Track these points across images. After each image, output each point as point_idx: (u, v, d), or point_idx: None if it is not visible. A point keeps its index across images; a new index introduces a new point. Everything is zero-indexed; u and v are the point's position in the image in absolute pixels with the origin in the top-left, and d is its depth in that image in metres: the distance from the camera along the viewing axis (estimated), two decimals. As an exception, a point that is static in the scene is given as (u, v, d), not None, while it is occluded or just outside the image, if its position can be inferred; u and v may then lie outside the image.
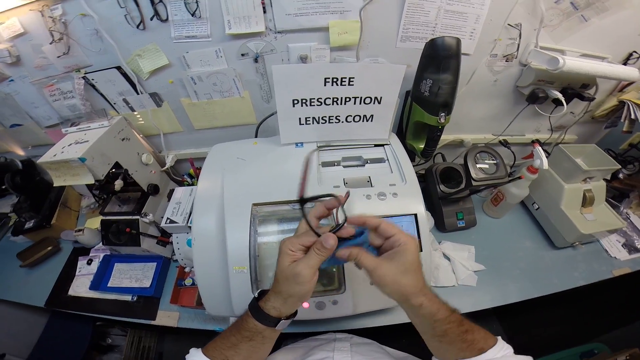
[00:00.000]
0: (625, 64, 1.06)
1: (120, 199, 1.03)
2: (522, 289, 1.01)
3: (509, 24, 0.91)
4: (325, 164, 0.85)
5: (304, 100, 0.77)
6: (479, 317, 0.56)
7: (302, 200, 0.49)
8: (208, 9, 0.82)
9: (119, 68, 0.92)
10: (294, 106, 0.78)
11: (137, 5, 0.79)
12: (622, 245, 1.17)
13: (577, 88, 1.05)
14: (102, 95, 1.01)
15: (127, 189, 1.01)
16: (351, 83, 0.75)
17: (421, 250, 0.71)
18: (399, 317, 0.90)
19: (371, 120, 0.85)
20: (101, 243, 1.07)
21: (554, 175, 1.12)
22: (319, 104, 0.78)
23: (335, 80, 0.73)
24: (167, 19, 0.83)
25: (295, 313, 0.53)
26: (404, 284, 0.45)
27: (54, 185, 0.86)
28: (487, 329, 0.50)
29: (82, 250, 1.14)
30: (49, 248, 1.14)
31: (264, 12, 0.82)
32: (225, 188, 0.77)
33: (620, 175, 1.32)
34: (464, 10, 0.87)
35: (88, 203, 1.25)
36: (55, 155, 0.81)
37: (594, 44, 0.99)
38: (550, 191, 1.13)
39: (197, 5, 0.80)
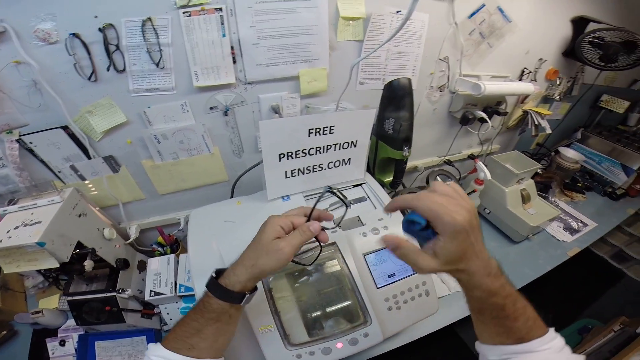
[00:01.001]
0: (520, 79, 1.38)
1: (85, 277, 0.93)
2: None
3: (439, 58, 1.12)
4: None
5: (289, 154, 0.80)
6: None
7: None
8: (173, 59, 0.79)
9: (65, 128, 0.80)
10: (280, 160, 0.80)
11: (89, 52, 0.71)
12: (563, 229, 1.47)
13: (493, 106, 1.32)
14: (43, 162, 0.86)
15: (94, 266, 0.90)
16: (332, 131, 0.81)
17: None
18: (423, 329, 0.97)
19: (349, 164, 0.92)
20: (69, 322, 1.02)
21: (494, 183, 1.36)
22: (304, 154, 0.82)
23: (318, 130, 0.79)
24: (124, 70, 0.76)
25: (256, 288, 0.54)
26: (446, 269, 0.44)
27: (5, 272, 0.78)
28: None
29: (45, 332, 1.03)
30: (4, 332, 1.02)
31: (234, 62, 0.84)
32: (223, 253, 0.74)
33: (539, 171, 1.66)
34: (406, 50, 1.04)
35: (34, 283, 1.11)
36: (1, 242, 0.69)
37: (498, 66, 1.27)
38: (495, 196, 1.37)
39: (161, 55, 0.77)
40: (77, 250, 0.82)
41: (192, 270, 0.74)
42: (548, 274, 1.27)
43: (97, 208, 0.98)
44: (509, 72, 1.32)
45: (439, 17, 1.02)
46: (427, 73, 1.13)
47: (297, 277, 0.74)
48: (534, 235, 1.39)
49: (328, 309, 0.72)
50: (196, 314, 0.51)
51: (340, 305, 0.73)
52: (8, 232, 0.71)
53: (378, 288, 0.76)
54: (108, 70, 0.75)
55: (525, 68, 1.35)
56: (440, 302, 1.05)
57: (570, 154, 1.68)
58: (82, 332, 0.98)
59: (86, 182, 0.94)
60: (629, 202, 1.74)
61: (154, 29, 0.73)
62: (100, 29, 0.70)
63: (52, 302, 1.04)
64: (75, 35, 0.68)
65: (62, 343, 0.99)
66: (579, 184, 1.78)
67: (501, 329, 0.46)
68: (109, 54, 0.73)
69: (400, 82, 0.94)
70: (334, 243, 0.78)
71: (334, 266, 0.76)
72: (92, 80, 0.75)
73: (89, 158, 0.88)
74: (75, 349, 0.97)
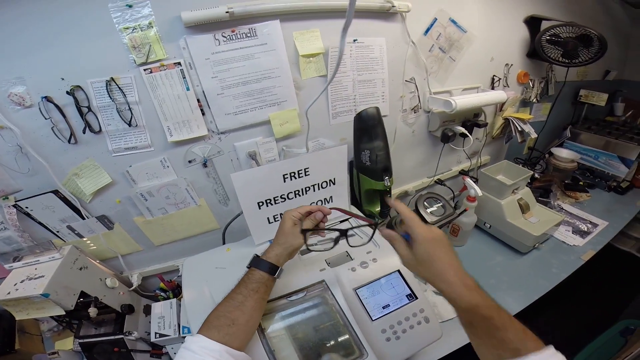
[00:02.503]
0: (492, 87, 1.36)
1: (93, 322, 0.98)
2: (518, 298, 1.10)
3: (406, 80, 1.12)
4: (303, 252, 0.86)
5: (268, 201, 0.81)
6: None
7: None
8: (144, 117, 0.80)
9: (55, 192, 0.83)
10: (259, 208, 0.80)
11: (64, 115, 0.73)
12: (572, 233, 1.39)
13: (472, 119, 1.30)
14: (41, 224, 0.89)
15: (100, 313, 0.94)
16: (307, 173, 0.82)
17: (416, 298, 0.78)
18: (435, 354, 0.92)
19: (331, 201, 0.92)
20: None
21: (489, 196, 1.32)
22: (283, 200, 0.82)
23: (292, 174, 0.79)
24: (100, 130, 0.78)
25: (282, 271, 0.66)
26: (421, 272, 0.57)
27: (17, 319, 0.85)
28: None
29: None
30: None
31: (203, 114, 0.85)
32: (215, 297, 0.73)
33: (537, 175, 1.61)
34: (371, 77, 1.05)
35: (49, 327, 1.14)
36: (9, 293, 0.76)
37: (467, 78, 1.26)
38: (492, 210, 1.32)
39: (132, 113, 0.78)
40: (81, 299, 0.86)
41: (187, 314, 0.75)
42: (574, 279, 1.18)
43: (98, 261, 1.00)
44: (480, 82, 1.31)
45: (395, 39, 1.03)
46: (397, 97, 1.13)
47: (289, 315, 0.72)
48: (542, 243, 1.32)
49: (323, 345, 0.70)
50: (240, 287, 0.62)
51: (334, 342, 0.71)
52: (15, 285, 0.79)
53: (373, 320, 0.74)
54: (84, 132, 0.77)
55: (494, 75, 1.34)
56: (449, 324, 1.01)
57: (565, 154, 1.64)
58: None
59: (84, 239, 0.96)
60: (638, 194, 1.66)
61: (119, 88, 0.75)
62: (68, 92, 0.72)
63: (67, 343, 1.07)
64: (47, 98, 0.71)
65: None
66: (581, 183, 1.71)
67: (495, 340, 0.48)
68: (82, 115, 0.75)
69: (369, 112, 0.94)
70: (322, 281, 0.76)
71: (325, 303, 0.74)
72: (72, 142, 0.77)
73: (83, 218, 0.90)
74: None
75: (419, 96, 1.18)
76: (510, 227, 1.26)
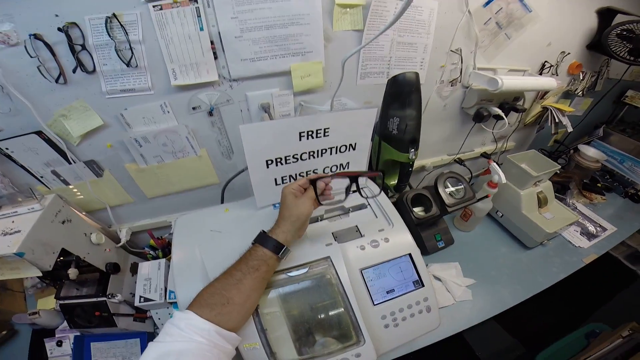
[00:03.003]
0: (541, 73, 1.24)
1: (75, 281, 0.90)
2: (514, 292, 1.09)
3: (451, 50, 0.99)
4: (311, 220, 0.79)
5: (278, 160, 0.71)
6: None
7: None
8: (146, 57, 0.70)
9: (39, 133, 0.75)
10: (268, 167, 0.71)
11: (53, 54, 0.64)
12: (580, 234, 1.34)
13: (510, 102, 1.19)
14: (23, 168, 0.81)
15: (82, 271, 0.88)
16: (326, 134, 0.71)
17: (423, 285, 0.74)
18: (426, 340, 0.91)
19: (347, 168, 0.82)
20: (65, 323, 0.98)
21: (509, 185, 1.23)
22: (295, 160, 0.73)
23: (310, 133, 0.69)
24: (94, 70, 0.69)
25: (289, 250, 0.63)
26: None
27: None
28: (489, 333, 0.51)
29: (44, 332, 1.03)
30: (4, 332, 1.03)
31: (215, 58, 0.75)
32: (206, 262, 0.68)
33: (557, 170, 1.53)
34: (413, 40, 0.91)
35: (32, 283, 1.12)
36: None
37: (516, 59, 1.14)
38: (509, 199, 1.24)
39: (132, 53, 0.68)
40: (61, 258, 0.79)
41: (174, 277, 0.69)
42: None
43: (84, 213, 0.92)
44: (528, 66, 1.19)
45: (449, 5, 0.90)
46: (437, 66, 1.01)
47: (286, 293, 0.67)
48: (549, 240, 1.27)
49: (319, 327, 0.66)
50: (240, 264, 0.58)
51: (332, 324, 0.66)
52: (-12, 241, 0.68)
53: (375, 305, 0.70)
54: (74, 72, 0.68)
55: (546, 61, 1.22)
56: (445, 311, 1.01)
57: (591, 153, 1.54)
58: (78, 334, 0.97)
59: (70, 186, 0.88)
60: (653, 204, 1.58)
61: (121, 25, 0.65)
62: (60, 29, 0.62)
63: (50, 302, 1.03)
64: (35, 36, 0.61)
65: (60, 343, 0.98)
66: (599, 185, 1.63)
67: None
68: (74, 54, 0.65)
69: (407, 76, 0.83)
70: (327, 257, 0.70)
71: (327, 283, 0.68)
72: (61, 82, 0.68)
73: (70, 163, 0.81)
74: (72, 350, 0.96)
75: (461, 69, 1.05)
76: (524, 219, 1.20)
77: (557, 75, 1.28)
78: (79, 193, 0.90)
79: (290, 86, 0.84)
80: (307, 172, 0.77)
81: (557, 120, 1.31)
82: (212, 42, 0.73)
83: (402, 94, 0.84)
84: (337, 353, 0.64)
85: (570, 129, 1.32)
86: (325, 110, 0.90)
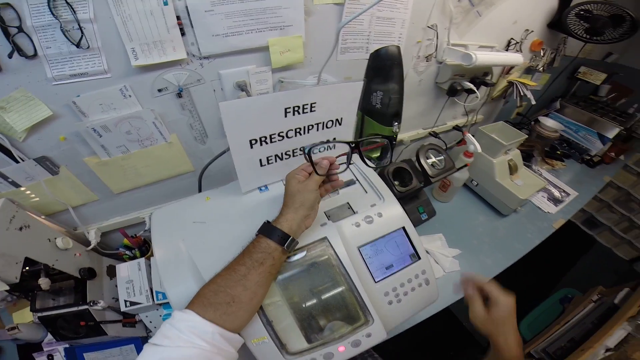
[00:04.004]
0: (507, 49, 1.27)
1: (50, 291, 0.80)
2: (497, 260, 1.12)
3: (427, 26, 0.97)
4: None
5: (263, 139, 0.64)
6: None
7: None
8: (99, 37, 0.60)
9: None
10: (252, 147, 0.64)
11: None
12: (547, 200, 1.41)
13: (480, 77, 1.21)
14: None
15: (55, 279, 0.79)
16: (313, 109, 0.66)
17: (419, 258, 0.72)
18: (421, 315, 0.91)
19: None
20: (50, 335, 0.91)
21: (482, 154, 1.26)
22: (281, 138, 0.66)
23: (297, 109, 0.63)
24: (35, 54, 0.58)
25: (296, 242, 0.57)
26: (490, 329, 0.59)
27: None
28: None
29: (30, 346, 0.94)
30: None
31: (183, 34, 0.66)
32: (194, 257, 0.61)
33: (523, 140, 1.59)
34: (391, 15, 0.88)
35: (2, 297, 0.98)
36: None
37: (485, 36, 1.15)
38: (483, 168, 1.28)
39: (82, 33, 0.58)
40: (27, 268, 0.70)
41: (160, 277, 0.61)
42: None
43: (43, 216, 0.81)
44: (496, 42, 1.22)
45: None
46: (414, 41, 0.98)
47: (287, 279, 0.61)
48: (522, 207, 1.32)
49: (325, 312, 0.62)
50: (243, 257, 0.52)
51: (338, 307, 0.63)
52: None
53: (376, 282, 0.67)
54: (10, 57, 0.57)
55: (512, 38, 1.25)
56: (437, 283, 1.00)
57: (550, 124, 1.62)
58: (67, 346, 0.89)
59: (22, 188, 0.76)
60: (605, 169, 1.73)
61: (67, 3, 0.55)
62: None
63: (27, 315, 0.93)
64: None
65: (50, 357, 0.90)
66: (558, 152, 1.74)
67: None
68: (9, 37, 0.55)
69: (389, 50, 0.80)
70: (324, 238, 0.66)
71: (327, 264, 0.64)
72: None
73: (17, 161, 0.69)
74: None
75: (436, 45, 1.04)
76: (498, 187, 1.24)
77: (521, 51, 1.31)
78: (33, 195, 0.78)
79: (268, 62, 0.78)
80: (293, 150, 0.72)
81: (522, 94, 1.36)
82: (178, 17, 0.64)
83: (384, 67, 0.81)
84: (347, 336, 0.61)
85: (533, 102, 1.38)
86: (310, 84, 0.85)
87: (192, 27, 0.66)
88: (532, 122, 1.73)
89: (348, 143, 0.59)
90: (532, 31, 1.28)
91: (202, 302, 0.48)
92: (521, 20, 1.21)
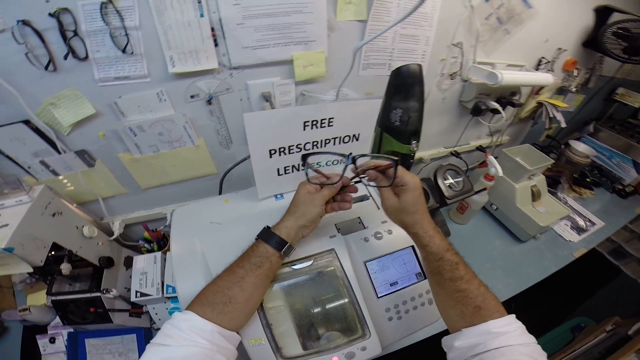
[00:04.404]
0: (537, 69, 1.23)
1: (68, 277, 0.85)
2: (508, 285, 1.08)
3: (452, 44, 0.97)
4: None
5: (282, 149, 0.67)
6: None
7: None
8: (142, 44, 0.66)
9: (27, 122, 0.70)
10: (271, 157, 0.67)
11: (43, 40, 0.59)
12: (570, 228, 1.35)
13: (507, 96, 1.18)
14: (10, 159, 0.75)
15: (75, 265, 0.83)
16: (331, 124, 0.67)
17: (425, 277, 0.71)
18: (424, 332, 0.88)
19: (349, 159, 0.78)
20: (58, 319, 0.95)
21: (505, 178, 1.22)
22: (298, 150, 0.69)
23: (315, 122, 0.65)
24: (87, 57, 0.64)
25: (293, 248, 0.58)
26: (402, 218, 0.56)
27: None
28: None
29: (36, 328, 0.98)
30: None
31: (216, 45, 0.70)
32: (207, 256, 0.64)
33: (550, 164, 1.52)
34: (415, 33, 0.88)
35: (21, 278, 1.06)
36: None
37: (514, 54, 1.12)
38: (504, 192, 1.23)
39: (128, 39, 0.64)
40: (53, 253, 0.74)
41: (174, 271, 0.65)
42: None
43: (75, 205, 0.87)
44: (525, 61, 1.17)
45: None
46: (438, 59, 0.98)
47: (291, 286, 0.63)
48: (541, 234, 1.27)
49: (324, 321, 0.63)
50: (242, 260, 0.54)
51: (337, 318, 0.63)
52: (-26, 235, 0.63)
53: (379, 297, 0.67)
54: (65, 58, 0.63)
55: (542, 57, 1.20)
56: None
57: (581, 148, 1.54)
58: (71, 330, 0.93)
59: (60, 177, 0.83)
60: (638, 201, 1.60)
61: (117, 11, 0.61)
62: (51, 14, 0.57)
63: (41, 298, 0.98)
64: (24, 22, 0.57)
65: (52, 340, 0.94)
66: (588, 179, 1.64)
67: (458, 294, 0.50)
68: (66, 40, 0.61)
69: (410, 68, 0.80)
70: (332, 250, 0.67)
71: (332, 275, 0.65)
72: (50, 70, 0.63)
73: (60, 153, 0.76)
74: (66, 347, 0.92)
75: (461, 63, 1.03)
76: (518, 213, 1.20)
77: (553, 71, 1.26)
78: (69, 184, 0.85)
79: (292, 75, 0.81)
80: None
81: (551, 116, 1.30)
82: (212, 29, 0.68)
83: (405, 85, 0.80)
84: (342, 347, 0.61)
85: (563, 125, 1.31)
86: (330, 100, 0.86)
87: (224, 38, 0.70)
88: (562, 146, 1.65)
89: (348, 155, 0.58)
90: (566, 50, 1.23)
91: (201, 302, 0.50)
92: (553, 39, 1.17)
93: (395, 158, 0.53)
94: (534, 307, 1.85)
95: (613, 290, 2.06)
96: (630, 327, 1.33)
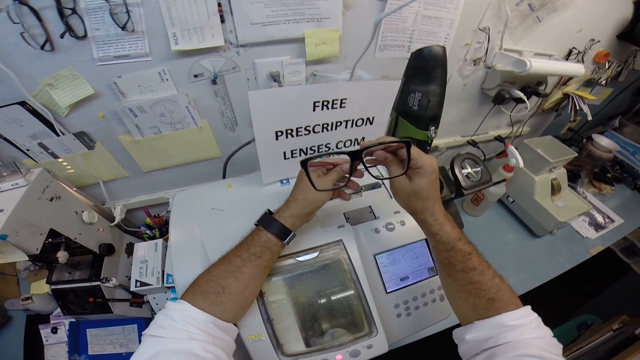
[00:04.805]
0: (567, 59, 1.14)
1: (67, 264, 0.82)
2: (521, 281, 1.04)
3: (479, 28, 0.89)
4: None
5: (289, 131, 0.62)
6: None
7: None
8: (144, 21, 0.60)
9: (23, 104, 0.66)
10: (277, 139, 0.62)
11: (39, 19, 0.55)
12: (588, 225, 1.28)
13: (533, 86, 1.09)
14: (7, 141, 0.72)
15: (74, 253, 0.81)
16: (343, 105, 0.62)
17: (437, 273, 0.66)
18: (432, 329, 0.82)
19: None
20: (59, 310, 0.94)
21: (523, 170, 1.15)
22: (307, 132, 0.64)
23: (326, 103, 0.60)
24: (85, 35, 0.60)
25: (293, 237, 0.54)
26: (412, 203, 0.49)
27: None
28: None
29: (39, 318, 0.97)
30: None
31: (222, 21, 0.65)
32: (206, 243, 0.61)
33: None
34: (439, 15, 0.81)
35: (25, 265, 1.06)
36: None
37: (543, 43, 1.03)
38: (522, 184, 1.17)
39: (129, 16, 0.59)
40: (50, 240, 0.70)
41: (172, 259, 0.62)
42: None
43: (75, 188, 0.84)
44: (555, 51, 1.09)
45: None
46: (461, 43, 0.90)
47: (295, 279, 0.60)
48: (558, 229, 1.21)
49: (329, 317, 0.59)
50: (240, 249, 0.51)
51: (343, 313, 0.60)
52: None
53: (388, 293, 0.63)
54: (62, 37, 0.59)
55: (573, 47, 1.11)
56: None
57: (605, 143, 1.45)
58: (73, 320, 0.92)
59: (59, 159, 0.80)
60: (660, 199, 1.51)
61: None
62: None
63: (44, 286, 0.95)
64: (21, 1, 0.53)
65: (55, 330, 0.93)
66: (609, 175, 1.56)
67: (471, 286, 0.46)
68: (63, 18, 0.57)
69: (433, 50, 0.73)
70: (339, 241, 0.63)
71: (339, 268, 0.61)
72: (48, 49, 0.59)
73: (58, 135, 0.73)
74: (67, 337, 0.91)
75: (486, 48, 0.95)
76: (536, 206, 1.14)
77: (583, 62, 1.17)
78: (69, 167, 0.82)
79: (303, 54, 0.74)
80: (318, 146, 0.69)
81: (577, 108, 1.21)
82: (219, 4, 0.63)
83: (426, 68, 0.74)
84: (347, 344, 0.58)
85: (589, 118, 1.22)
86: (343, 79, 0.80)
87: (232, 14, 0.65)
88: (584, 140, 1.57)
89: (348, 153, 0.50)
90: (599, 41, 1.13)
91: (194, 290, 0.47)
92: (587, 29, 1.08)
93: (407, 140, 0.47)
94: (540, 303, 1.81)
95: (622, 289, 1.99)
96: (637, 327, 1.29)
